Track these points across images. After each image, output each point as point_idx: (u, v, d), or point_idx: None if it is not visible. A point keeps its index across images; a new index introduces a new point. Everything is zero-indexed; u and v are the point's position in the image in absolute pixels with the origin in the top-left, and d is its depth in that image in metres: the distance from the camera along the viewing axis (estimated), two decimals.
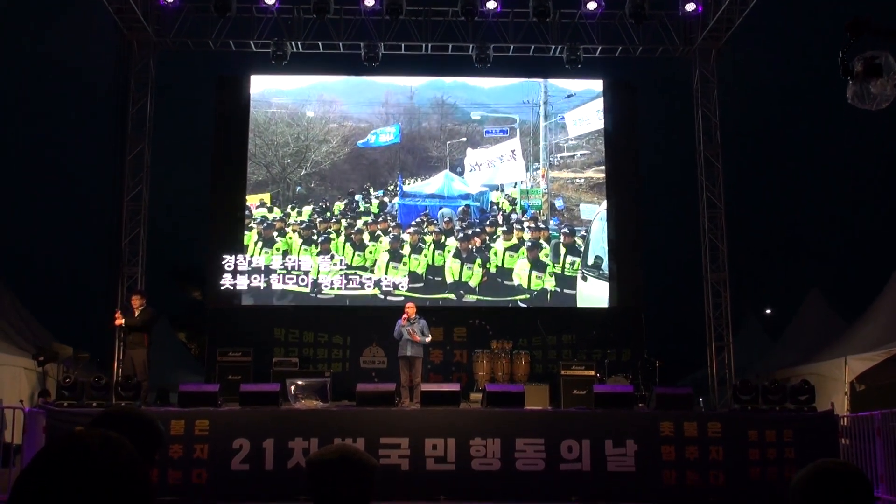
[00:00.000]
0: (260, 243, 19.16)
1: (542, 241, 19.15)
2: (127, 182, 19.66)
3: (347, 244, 19.10)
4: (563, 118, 19.94)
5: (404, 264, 18.95)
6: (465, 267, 18.91)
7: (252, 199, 19.45)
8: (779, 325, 27.21)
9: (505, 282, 18.95)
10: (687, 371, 27.44)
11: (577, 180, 19.69)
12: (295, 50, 19.60)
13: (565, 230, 19.22)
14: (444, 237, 19.12)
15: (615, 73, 21.19)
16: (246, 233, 19.17)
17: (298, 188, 19.68)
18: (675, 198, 28.11)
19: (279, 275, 18.95)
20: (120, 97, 20.05)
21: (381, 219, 19.35)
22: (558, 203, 19.50)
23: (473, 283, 18.89)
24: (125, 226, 19.56)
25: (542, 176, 19.65)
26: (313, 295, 18.89)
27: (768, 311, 33.23)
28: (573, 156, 19.88)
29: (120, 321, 14.89)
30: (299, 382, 13.71)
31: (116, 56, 20.22)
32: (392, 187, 19.65)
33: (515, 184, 19.72)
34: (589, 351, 18.01)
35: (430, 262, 19.02)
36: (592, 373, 15.39)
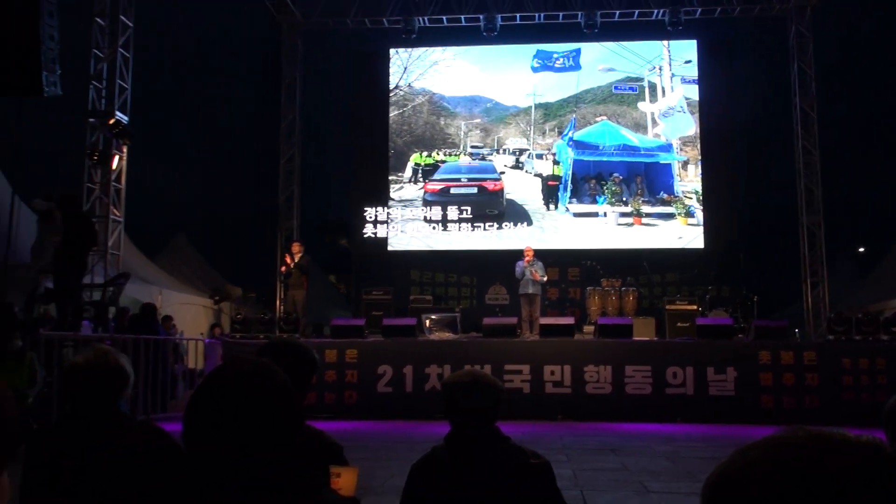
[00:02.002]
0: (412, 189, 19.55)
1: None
2: (282, 147, 20.26)
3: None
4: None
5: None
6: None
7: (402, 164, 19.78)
8: (871, 263, 25.92)
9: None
10: (783, 306, 26.53)
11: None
12: (422, 24, 19.64)
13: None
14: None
15: (707, 35, 20.42)
16: (399, 186, 19.57)
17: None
18: (768, 148, 27.00)
19: (414, 223, 19.32)
20: (273, 73, 20.64)
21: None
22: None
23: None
24: (282, 184, 20.20)
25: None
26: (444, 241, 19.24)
27: (861, 250, 31.62)
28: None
29: (289, 261, 15.40)
30: (433, 317, 13.97)
31: (268, 36, 20.78)
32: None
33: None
34: (691, 288, 17.68)
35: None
36: (695, 307, 15.10)
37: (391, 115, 20.02)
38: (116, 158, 14.78)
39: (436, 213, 19.32)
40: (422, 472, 2.88)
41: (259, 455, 1.61)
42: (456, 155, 19.74)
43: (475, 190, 19.37)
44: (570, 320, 13.82)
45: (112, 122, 14.30)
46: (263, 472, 1.60)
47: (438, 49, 20.29)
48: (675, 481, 7.28)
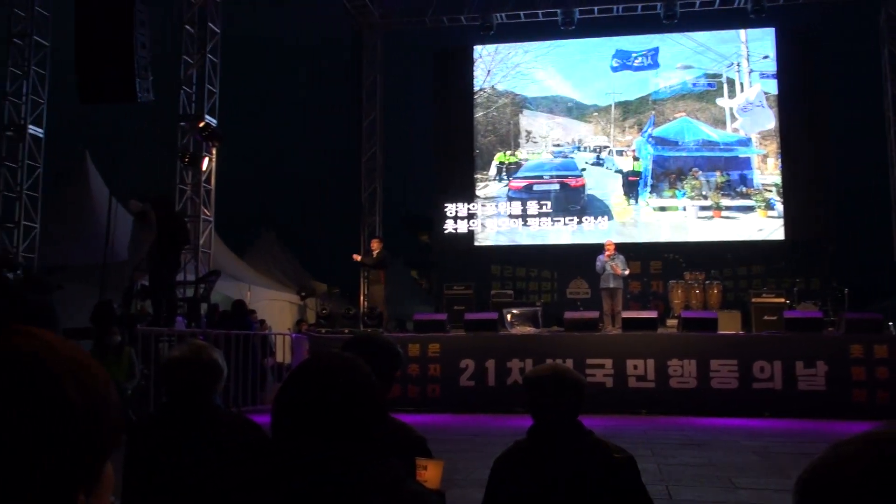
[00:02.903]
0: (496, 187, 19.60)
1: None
2: (364, 145, 20.52)
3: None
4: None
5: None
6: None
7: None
8: None
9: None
10: (877, 299, 25.50)
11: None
12: (500, 21, 19.59)
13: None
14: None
15: (786, 22, 19.79)
16: (484, 184, 19.65)
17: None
18: (856, 137, 25.93)
19: (496, 219, 19.38)
20: (354, 73, 20.91)
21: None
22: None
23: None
24: (364, 181, 20.47)
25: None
26: (525, 236, 19.24)
27: None
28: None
29: (357, 258, 15.60)
30: (514, 311, 13.93)
31: (349, 38, 21.06)
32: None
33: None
34: (778, 280, 17.20)
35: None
36: (783, 300, 14.66)
37: (476, 115, 20.08)
38: (206, 160, 15.21)
39: (516, 208, 19.35)
40: (505, 466, 2.89)
41: (344, 447, 1.64)
42: (538, 153, 19.71)
43: (557, 186, 19.35)
44: (653, 314, 13.59)
45: (202, 125, 14.72)
46: (348, 463, 1.63)
47: (520, 51, 20.24)
48: (764, 477, 7.09)
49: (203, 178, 15.27)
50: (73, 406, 0.78)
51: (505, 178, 19.72)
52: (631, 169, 19.16)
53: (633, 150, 19.25)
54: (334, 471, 1.61)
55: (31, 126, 15.10)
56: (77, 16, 10.99)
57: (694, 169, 18.84)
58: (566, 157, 19.53)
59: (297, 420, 1.69)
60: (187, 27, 15.30)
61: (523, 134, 19.88)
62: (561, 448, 2.78)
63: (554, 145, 19.64)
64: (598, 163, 19.37)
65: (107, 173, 14.83)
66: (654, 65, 19.49)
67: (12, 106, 15.02)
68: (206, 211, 15.42)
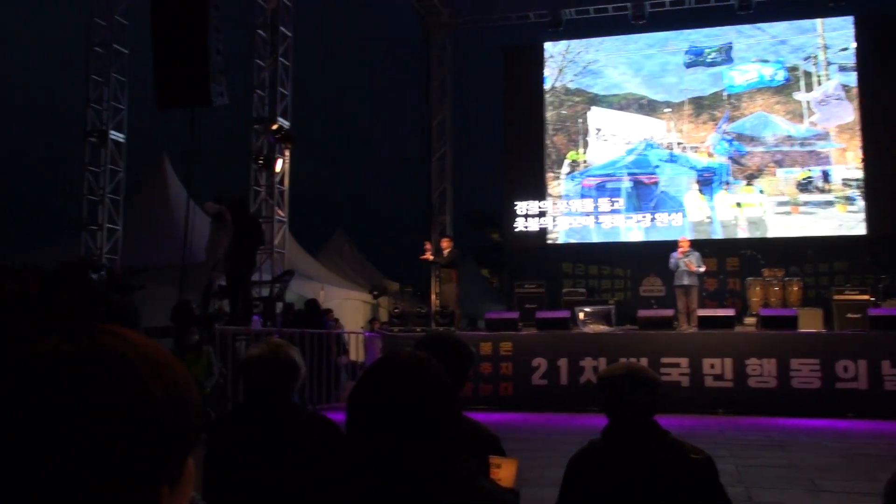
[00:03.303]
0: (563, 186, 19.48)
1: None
2: (433, 145, 20.58)
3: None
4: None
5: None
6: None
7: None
8: None
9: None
10: None
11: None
12: (568, 17, 19.43)
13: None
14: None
15: (865, 9, 19.09)
16: (556, 183, 19.55)
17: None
18: None
19: (567, 217, 19.25)
20: (423, 72, 20.98)
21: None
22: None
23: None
24: (434, 181, 20.54)
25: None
26: (596, 234, 19.05)
27: None
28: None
29: (427, 256, 15.64)
30: (587, 309, 13.80)
31: (417, 38, 21.15)
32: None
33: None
34: (861, 276, 16.60)
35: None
36: (867, 297, 14.16)
37: (546, 113, 19.96)
38: (280, 162, 15.47)
39: (588, 206, 19.18)
40: (579, 466, 2.86)
41: (417, 446, 1.64)
42: (610, 151, 19.48)
43: (630, 184, 19.09)
44: (730, 312, 13.29)
45: (275, 127, 14.99)
46: (421, 462, 1.63)
47: (590, 48, 20.01)
48: (848, 480, 6.86)
49: (277, 179, 15.54)
50: (157, 402, 0.80)
51: (577, 175, 19.56)
52: (706, 165, 18.79)
53: (708, 146, 18.87)
54: (407, 469, 1.61)
55: (112, 131, 15.61)
56: (153, 23, 11.30)
57: (771, 164, 18.42)
58: (639, 154, 19.27)
59: (371, 419, 1.70)
60: (259, 32, 15.60)
61: (594, 131, 19.67)
62: (636, 448, 2.74)
63: (626, 143, 19.39)
64: (672, 160, 19.04)
65: (184, 176, 15.19)
66: (728, 60, 19.09)
67: (94, 112, 15.55)
68: (279, 212, 15.69)
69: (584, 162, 19.57)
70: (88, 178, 15.54)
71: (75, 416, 0.76)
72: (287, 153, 15.61)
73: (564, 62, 20.11)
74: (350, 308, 20.46)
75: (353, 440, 1.74)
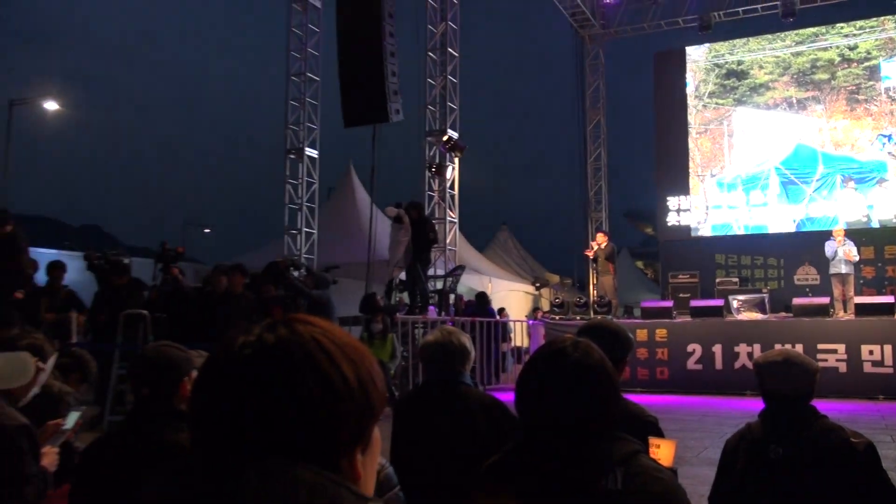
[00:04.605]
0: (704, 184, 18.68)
1: None
2: (589, 147, 20.27)
3: None
4: None
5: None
6: None
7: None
8: None
9: None
10: None
11: None
12: (718, 19, 18.55)
13: None
14: None
15: None
16: (705, 175, 18.78)
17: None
18: None
19: (719, 210, 18.38)
20: (577, 80, 20.70)
21: None
22: None
23: None
24: (590, 180, 20.22)
25: None
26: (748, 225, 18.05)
27: None
28: None
29: (590, 253, 15.40)
30: (740, 298, 13.11)
31: (572, 49, 20.87)
32: None
33: None
34: None
35: None
36: None
37: (692, 117, 19.09)
38: (450, 169, 15.72)
39: (739, 198, 18.19)
40: (737, 448, 2.72)
41: (582, 423, 1.62)
42: (760, 146, 18.33)
43: (781, 178, 17.89)
44: (889, 299, 12.19)
45: (445, 138, 15.25)
46: (587, 439, 1.61)
47: (736, 51, 18.90)
48: None
49: (447, 184, 15.80)
50: (348, 381, 0.85)
51: (727, 169, 18.57)
52: (863, 162, 17.19)
53: (864, 143, 17.32)
54: (573, 446, 1.60)
55: (307, 148, 16.45)
56: (339, 52, 11.80)
57: None
58: (790, 154, 17.97)
59: (538, 398, 1.70)
60: (430, 54, 15.91)
61: (744, 128, 18.59)
62: (794, 432, 2.58)
63: (775, 143, 18.15)
64: (825, 158, 17.60)
65: (368, 184, 15.76)
66: (885, 52, 17.40)
67: (292, 133, 16.45)
68: (451, 213, 15.95)
69: (736, 157, 18.54)
70: (288, 190, 16.45)
71: (283, 394, 0.82)
72: (456, 161, 15.83)
73: (709, 65, 19.14)
74: (514, 298, 20.51)
75: (523, 417, 1.74)
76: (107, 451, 2.40)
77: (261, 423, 0.82)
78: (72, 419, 3.17)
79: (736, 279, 16.31)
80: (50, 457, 2.85)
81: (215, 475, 0.80)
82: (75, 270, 9.72)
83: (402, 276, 12.18)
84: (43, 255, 12.14)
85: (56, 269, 9.05)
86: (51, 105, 22.43)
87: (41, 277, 9.15)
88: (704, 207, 18.52)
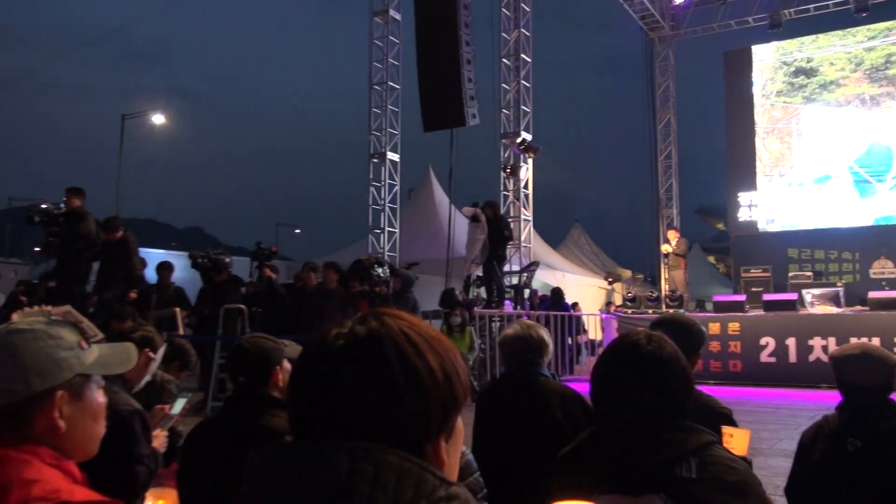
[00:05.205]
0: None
1: None
2: (659, 145, 19.82)
3: None
4: None
5: None
6: None
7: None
8: None
9: None
10: None
11: None
12: (788, 17, 17.83)
13: None
14: None
15: None
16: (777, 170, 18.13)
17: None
18: None
19: (791, 204, 17.70)
20: (646, 81, 20.26)
21: None
22: None
23: None
24: (660, 178, 19.78)
25: None
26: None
27: None
28: None
29: (665, 250, 15.13)
30: (814, 291, 12.57)
31: (641, 50, 20.44)
32: None
33: None
34: None
35: None
36: None
37: (758, 116, 18.39)
38: (524, 169, 15.63)
39: (813, 193, 17.44)
40: (814, 440, 2.62)
41: (657, 414, 1.59)
42: (831, 142, 17.50)
43: (854, 173, 17.07)
44: None
45: (519, 140, 15.16)
46: (661, 429, 1.58)
47: (805, 48, 18.11)
48: None
49: (522, 184, 15.71)
50: (433, 371, 0.86)
51: (797, 169, 17.83)
52: None
53: None
54: (646, 436, 1.57)
55: (389, 153, 16.64)
56: (419, 61, 11.91)
57: None
58: (864, 152, 17.08)
59: (611, 391, 1.68)
60: (504, 60, 15.85)
61: (814, 127, 17.79)
62: (872, 425, 2.46)
63: (847, 141, 17.29)
64: None
65: (446, 186, 15.84)
66: None
67: (375, 138, 16.69)
68: (525, 212, 15.85)
69: (799, 164, 17.73)
70: (372, 192, 16.69)
71: (373, 383, 0.84)
72: (530, 161, 15.72)
73: (777, 63, 18.38)
74: (587, 293, 20.25)
75: (597, 408, 1.72)
76: (208, 434, 2.50)
77: (351, 409, 0.84)
78: (178, 405, 3.31)
79: (809, 273, 15.63)
80: (160, 439, 2.99)
81: (310, 456, 0.82)
82: (182, 269, 10.11)
83: (479, 272, 12.19)
84: (153, 255, 12.70)
85: (165, 269, 9.45)
86: (158, 118, 23.36)
87: (151, 276, 9.57)
88: (774, 205, 17.86)
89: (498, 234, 11.77)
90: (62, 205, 8.57)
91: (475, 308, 10.91)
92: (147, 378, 3.18)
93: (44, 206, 8.67)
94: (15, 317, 1.35)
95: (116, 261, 8.65)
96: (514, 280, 13.47)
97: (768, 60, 18.50)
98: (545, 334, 3.07)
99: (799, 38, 18.26)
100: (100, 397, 1.35)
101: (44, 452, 1.22)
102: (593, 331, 14.79)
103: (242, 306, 8.75)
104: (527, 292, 13.68)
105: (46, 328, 1.29)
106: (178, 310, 8.94)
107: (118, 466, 2.49)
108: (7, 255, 29.41)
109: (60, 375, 1.26)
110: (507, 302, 12.19)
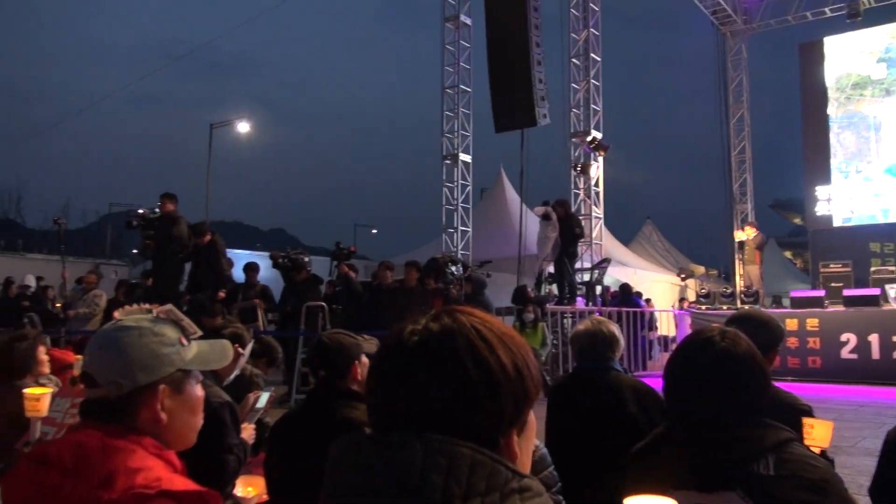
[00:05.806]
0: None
1: None
2: (733, 140, 19.21)
3: None
4: None
5: None
6: None
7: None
8: None
9: None
10: None
11: None
12: (867, 6, 16.96)
13: None
14: None
15: None
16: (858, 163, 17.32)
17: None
18: None
19: (872, 198, 16.83)
20: (719, 76, 19.65)
21: None
22: None
23: None
24: (734, 173, 19.17)
25: None
26: None
27: None
28: None
29: (739, 237, 14.66)
30: None
31: (713, 45, 19.85)
32: None
33: None
34: None
35: None
36: None
37: (832, 108, 17.54)
38: (594, 167, 15.40)
39: (888, 189, 16.54)
40: None
41: (728, 409, 1.56)
42: None
43: None
44: None
45: (590, 139, 14.95)
46: (736, 426, 1.54)
47: (884, 37, 17.17)
48: None
49: (592, 182, 15.50)
50: (505, 366, 0.86)
51: (875, 163, 16.92)
52: None
53: None
54: (721, 432, 1.53)
55: (462, 154, 16.70)
56: (490, 64, 11.89)
57: None
58: None
59: (684, 387, 1.65)
60: (573, 60, 15.66)
61: (892, 119, 16.85)
62: None
63: None
64: None
65: (517, 184, 15.78)
66: None
67: (448, 140, 16.77)
68: (596, 209, 15.62)
69: (878, 157, 16.82)
70: (445, 192, 16.79)
71: (446, 377, 0.85)
72: (601, 159, 15.48)
73: (854, 54, 17.47)
74: (660, 289, 19.81)
75: (670, 403, 1.69)
76: (292, 426, 2.56)
77: (426, 402, 0.84)
78: (264, 398, 3.41)
79: (893, 268, 14.83)
80: (248, 430, 3.09)
81: (387, 446, 0.83)
82: (266, 269, 10.41)
83: (551, 269, 12.09)
84: (239, 255, 13.12)
85: (251, 269, 9.77)
86: (243, 126, 24.09)
87: (239, 275, 9.89)
88: (849, 198, 17.02)
89: (569, 232, 11.64)
90: (157, 209, 8.96)
91: (547, 304, 10.83)
92: (236, 372, 3.29)
93: (140, 210, 9.08)
94: (117, 314, 1.41)
95: (206, 262, 8.99)
96: (586, 277, 13.30)
97: (845, 52, 17.65)
98: (616, 330, 3.04)
99: (876, 27, 17.34)
100: (198, 391, 1.40)
101: (147, 443, 1.27)
102: (665, 327, 14.46)
103: (323, 303, 8.94)
104: (598, 289, 13.49)
105: (151, 325, 1.35)
106: (259, 301, 9.23)
107: (209, 455, 2.58)
108: (108, 258, 30.91)
109: (163, 370, 1.32)
110: (578, 298, 12.05)
